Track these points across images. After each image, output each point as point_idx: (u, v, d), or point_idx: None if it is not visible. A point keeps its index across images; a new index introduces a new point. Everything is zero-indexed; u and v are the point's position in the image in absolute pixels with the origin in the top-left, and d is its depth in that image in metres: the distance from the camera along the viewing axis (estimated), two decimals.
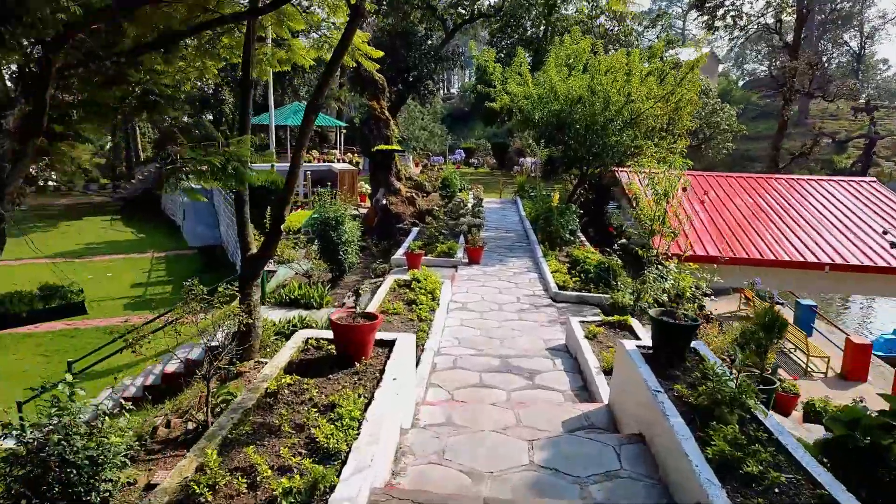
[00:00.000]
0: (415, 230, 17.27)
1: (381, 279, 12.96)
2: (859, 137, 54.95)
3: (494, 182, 33.78)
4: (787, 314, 19.31)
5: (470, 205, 18.75)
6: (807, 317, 19.67)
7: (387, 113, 18.64)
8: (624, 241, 14.40)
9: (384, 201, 18.30)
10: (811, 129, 54.93)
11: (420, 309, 9.32)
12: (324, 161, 34.72)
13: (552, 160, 25.49)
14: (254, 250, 8.88)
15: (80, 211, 38.78)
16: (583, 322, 8.44)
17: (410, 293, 10.15)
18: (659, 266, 11.23)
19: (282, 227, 8.37)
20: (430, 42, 38.26)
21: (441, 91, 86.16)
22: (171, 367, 12.05)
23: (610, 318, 8.68)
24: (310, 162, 35.90)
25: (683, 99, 14.92)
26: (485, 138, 55.11)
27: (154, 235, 33.91)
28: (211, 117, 46.08)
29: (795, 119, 62.05)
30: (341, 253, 14.24)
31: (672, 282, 11.21)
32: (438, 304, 9.72)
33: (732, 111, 30.92)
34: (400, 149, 18.90)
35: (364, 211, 20.61)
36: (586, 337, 7.82)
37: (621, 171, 19.23)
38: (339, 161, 33.47)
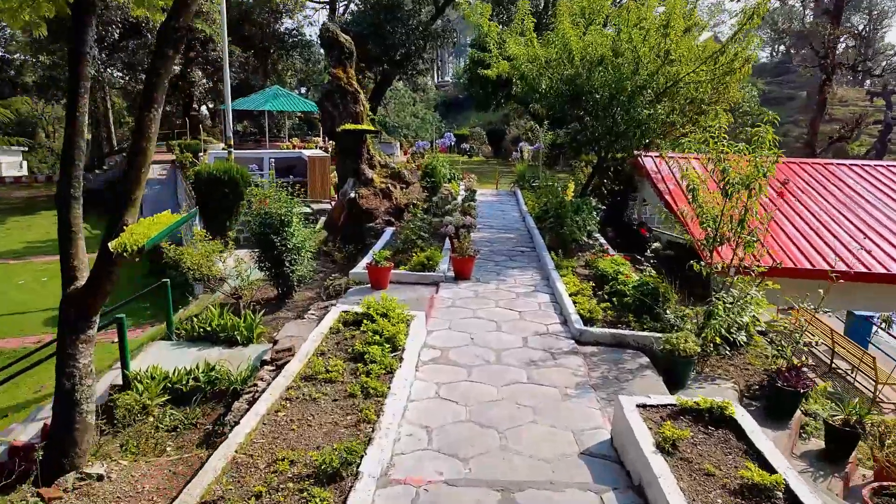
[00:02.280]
0: (389, 231, 13.64)
1: (334, 302, 9.35)
2: (876, 123, 51.69)
3: (490, 171, 30.13)
4: (835, 325, 15.68)
5: (460, 199, 15.10)
6: (863, 329, 16.11)
7: (355, 84, 14.97)
8: (657, 245, 10.80)
9: (352, 194, 14.68)
10: (825, 114, 51.59)
11: (369, 373, 5.71)
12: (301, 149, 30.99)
13: (556, 146, 21.89)
14: (82, 282, 5.26)
15: (38, 205, 35.23)
16: (644, 408, 4.82)
17: (359, 339, 6.54)
18: (730, 290, 7.67)
19: (117, 245, 4.75)
20: (418, 17, 34.45)
21: (434, 78, 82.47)
22: (23, 437, 8.40)
23: (694, 402, 5.01)
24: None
25: (739, 57, 11.30)
26: (479, 126, 51.47)
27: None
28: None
29: (804, 104, 58.50)
30: (287, 264, 10.61)
31: (751, 314, 7.65)
32: (402, 359, 6.12)
33: (755, 91, 27.21)
34: (373, 129, 15.24)
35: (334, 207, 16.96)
36: (660, 449, 4.20)
37: (646, 156, 15.61)
38: (321, 150, 29.76)
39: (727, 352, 7.63)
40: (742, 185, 7.38)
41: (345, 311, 7.39)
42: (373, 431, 4.74)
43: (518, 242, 13.32)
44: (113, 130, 45.50)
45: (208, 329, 9.12)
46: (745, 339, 7.53)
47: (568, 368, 6.62)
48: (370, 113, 15.42)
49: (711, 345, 7.39)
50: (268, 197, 10.87)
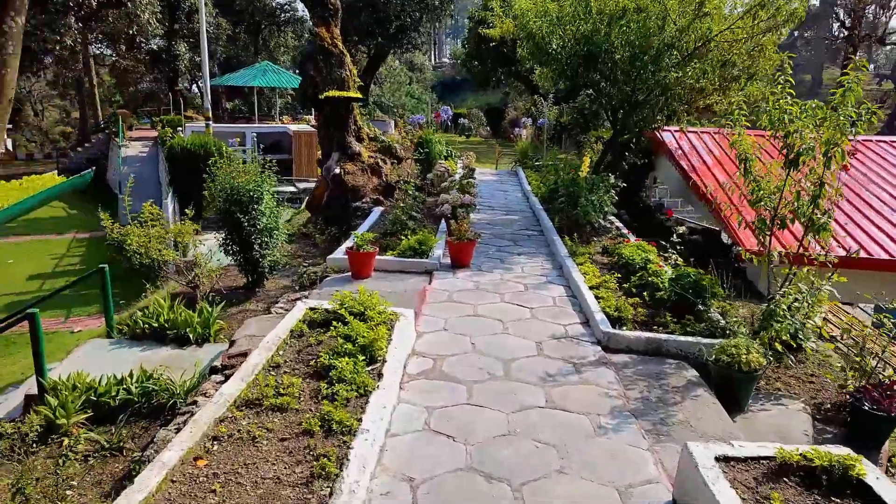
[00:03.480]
0: (378, 211, 12.07)
1: (307, 294, 7.81)
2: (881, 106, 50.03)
3: (489, 152, 28.45)
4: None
5: (457, 176, 13.50)
6: None
7: (341, 45, 13.29)
8: (682, 229, 9.30)
9: (337, 170, 13.08)
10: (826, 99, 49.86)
11: (335, 397, 4.19)
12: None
13: (560, 127, 20.25)
14: None
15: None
16: (728, 463, 3.30)
17: (326, 346, 5.00)
18: (792, 284, 6.16)
19: None
20: None
21: (431, 59, 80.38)
22: None
23: (800, 455, 3.40)
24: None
25: (782, 10, 9.66)
26: (477, 108, 49.66)
27: (87, 212, 28.62)
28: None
29: (808, 89, 56.69)
30: (257, 247, 9.08)
31: (821, 315, 6.15)
32: (380, 376, 4.59)
33: (778, 57, 25.17)
34: (360, 96, 13.58)
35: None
36: None
37: (665, 130, 14.02)
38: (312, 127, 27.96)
39: (790, 361, 6.13)
40: (812, 150, 5.82)
41: (312, 309, 5.84)
42: (330, 496, 3.22)
43: (523, 225, 11.76)
44: (99, 108, 43.64)
45: (154, 325, 7.59)
46: (813, 347, 6.02)
47: (597, 386, 5.11)
48: (357, 79, 13.75)
49: (771, 353, 5.88)
50: (235, 168, 9.30)
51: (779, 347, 5.96)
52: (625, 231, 10.66)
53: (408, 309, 6.07)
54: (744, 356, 5.25)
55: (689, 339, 5.95)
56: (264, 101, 42.35)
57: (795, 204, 6.03)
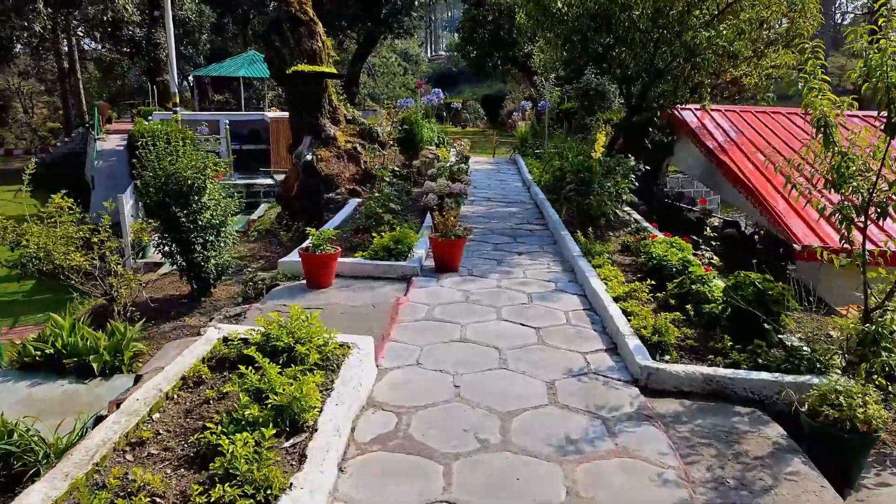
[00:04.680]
0: (354, 203, 10.29)
1: (247, 309, 6.05)
2: None
3: (486, 142, 26.65)
4: None
5: (448, 164, 11.71)
6: None
7: (311, 12, 11.49)
8: (715, 222, 7.58)
9: (309, 156, 11.31)
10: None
11: None
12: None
13: (563, 113, 18.42)
14: None
15: None
16: None
17: (227, 405, 3.24)
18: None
19: None
20: None
21: (427, 52, 78.43)
22: None
23: None
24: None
25: None
26: (474, 100, 47.82)
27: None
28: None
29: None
30: (199, 248, 7.33)
31: None
32: (303, 460, 2.84)
33: (819, 17, 23.21)
34: (335, 72, 11.80)
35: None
36: None
37: (685, 108, 12.24)
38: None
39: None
40: None
41: (226, 340, 4.08)
42: None
43: (524, 218, 9.99)
44: (84, 102, 41.79)
45: (50, 352, 5.81)
46: None
47: (644, 461, 3.35)
48: (332, 53, 11.95)
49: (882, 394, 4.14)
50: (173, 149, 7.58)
51: (883, 382, 4.24)
52: (645, 224, 8.89)
53: (365, 337, 4.30)
54: (860, 410, 3.50)
55: (765, 376, 4.20)
56: (253, 93, 40.50)
57: None
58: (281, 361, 3.62)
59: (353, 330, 5.02)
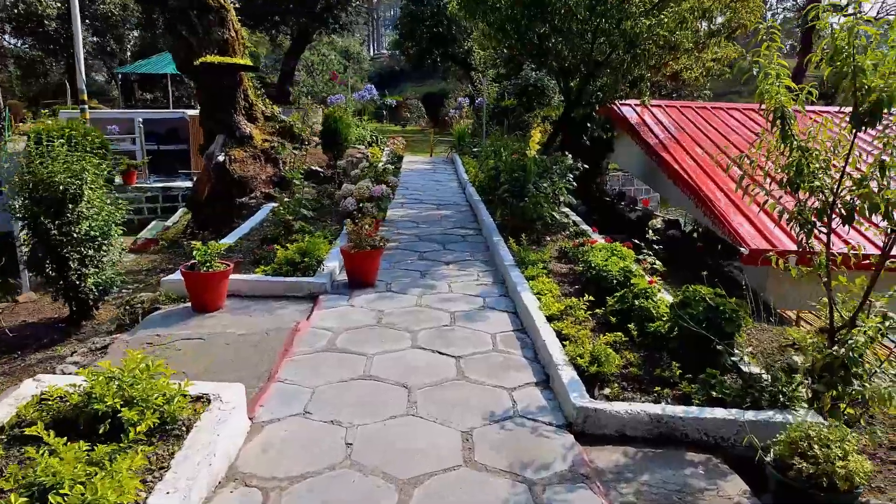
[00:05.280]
0: (268, 208, 9.30)
1: (115, 339, 5.04)
2: None
3: (425, 140, 25.85)
4: None
5: (380, 165, 10.81)
6: None
7: None
8: (657, 223, 7.05)
9: (221, 157, 10.25)
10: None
11: None
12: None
13: (502, 111, 17.80)
14: None
15: None
16: None
17: None
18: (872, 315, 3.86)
19: None
20: None
21: (370, 51, 77.06)
22: None
23: None
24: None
25: None
26: (415, 99, 46.94)
27: None
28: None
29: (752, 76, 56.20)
30: (75, 264, 6.25)
31: None
32: None
33: (762, 8, 23.16)
34: (251, 64, 10.76)
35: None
36: None
37: (624, 104, 11.72)
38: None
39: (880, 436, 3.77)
40: None
41: (41, 399, 3.11)
42: None
43: (457, 222, 9.23)
44: (2, 102, 38.85)
45: None
46: None
47: None
48: (249, 43, 10.91)
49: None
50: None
51: (853, 413, 3.67)
52: (585, 227, 8.25)
53: (232, 385, 3.40)
54: (839, 464, 2.83)
55: (720, 413, 3.52)
56: (185, 91, 38.57)
57: (877, 183, 3.67)
58: (103, 431, 2.71)
59: (237, 366, 4.13)
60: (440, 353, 4.46)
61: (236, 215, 9.46)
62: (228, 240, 7.47)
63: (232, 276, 5.64)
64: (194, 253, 5.42)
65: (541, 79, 11.54)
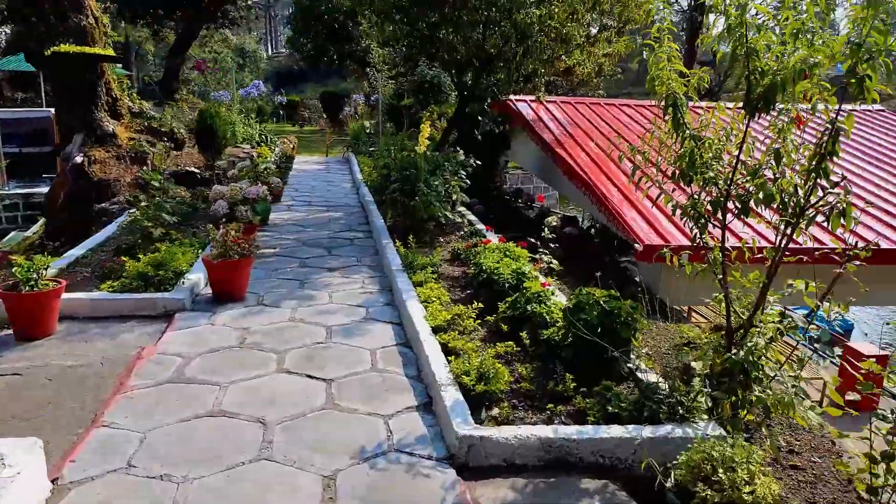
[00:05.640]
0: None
1: None
2: None
3: (322, 140, 24.89)
4: None
5: (261, 164, 9.97)
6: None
7: None
8: (553, 221, 6.83)
9: (79, 157, 9.11)
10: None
11: None
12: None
13: (398, 110, 17.29)
14: None
15: None
16: None
17: None
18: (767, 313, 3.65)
19: None
20: None
21: (267, 49, 74.40)
22: None
23: None
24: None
25: None
26: (317, 99, 45.57)
27: None
28: None
29: (637, 76, 58.90)
30: None
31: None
32: None
33: (649, 5, 23.92)
34: (112, 54, 9.66)
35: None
36: None
37: (520, 100, 11.52)
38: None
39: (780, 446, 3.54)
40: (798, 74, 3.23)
41: None
42: None
43: (346, 224, 8.63)
44: None
45: None
46: (819, 421, 3.45)
47: None
48: (112, 31, 9.80)
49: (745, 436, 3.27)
50: None
51: (755, 421, 3.43)
52: (480, 226, 7.88)
53: (25, 440, 2.67)
54: (746, 490, 2.51)
55: (616, 431, 3.16)
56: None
57: (772, 172, 3.44)
58: None
59: (55, 408, 3.38)
60: (309, 376, 3.87)
61: (96, 222, 8.39)
62: (79, 251, 6.52)
63: (68, 296, 4.79)
64: (13, 270, 4.52)
65: (437, 75, 11.12)
